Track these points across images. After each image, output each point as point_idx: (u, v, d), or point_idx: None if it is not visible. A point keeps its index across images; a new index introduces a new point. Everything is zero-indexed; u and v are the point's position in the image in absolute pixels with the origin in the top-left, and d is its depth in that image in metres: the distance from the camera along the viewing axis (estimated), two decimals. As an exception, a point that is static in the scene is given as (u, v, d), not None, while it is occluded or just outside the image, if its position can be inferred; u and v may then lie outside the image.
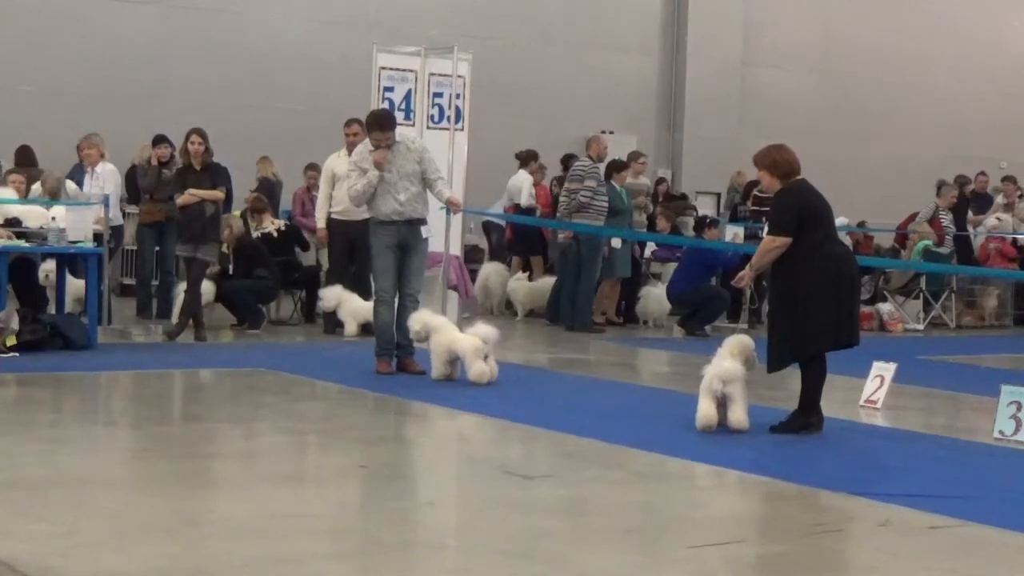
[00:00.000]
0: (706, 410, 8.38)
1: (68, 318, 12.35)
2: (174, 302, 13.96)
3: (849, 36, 25.98)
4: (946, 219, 19.01)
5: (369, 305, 11.81)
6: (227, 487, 6.79)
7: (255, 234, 14.92)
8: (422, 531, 5.98)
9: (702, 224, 17.34)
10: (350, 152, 12.32)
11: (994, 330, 18.64)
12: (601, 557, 5.43)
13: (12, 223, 12.30)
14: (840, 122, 25.56)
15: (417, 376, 10.64)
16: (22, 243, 12.18)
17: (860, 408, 9.85)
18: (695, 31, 24.33)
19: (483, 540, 5.71)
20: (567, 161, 17.29)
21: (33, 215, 12.55)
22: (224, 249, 13.73)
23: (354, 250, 13.56)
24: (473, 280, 16.59)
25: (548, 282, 16.81)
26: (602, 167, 15.96)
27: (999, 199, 20.56)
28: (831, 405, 8.96)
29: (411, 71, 15.27)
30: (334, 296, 13.53)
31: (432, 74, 15.30)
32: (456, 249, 14.88)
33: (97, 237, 12.75)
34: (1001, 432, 8.56)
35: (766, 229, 9.63)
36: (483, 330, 10.18)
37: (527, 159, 18.15)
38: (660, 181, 21.58)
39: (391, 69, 15.21)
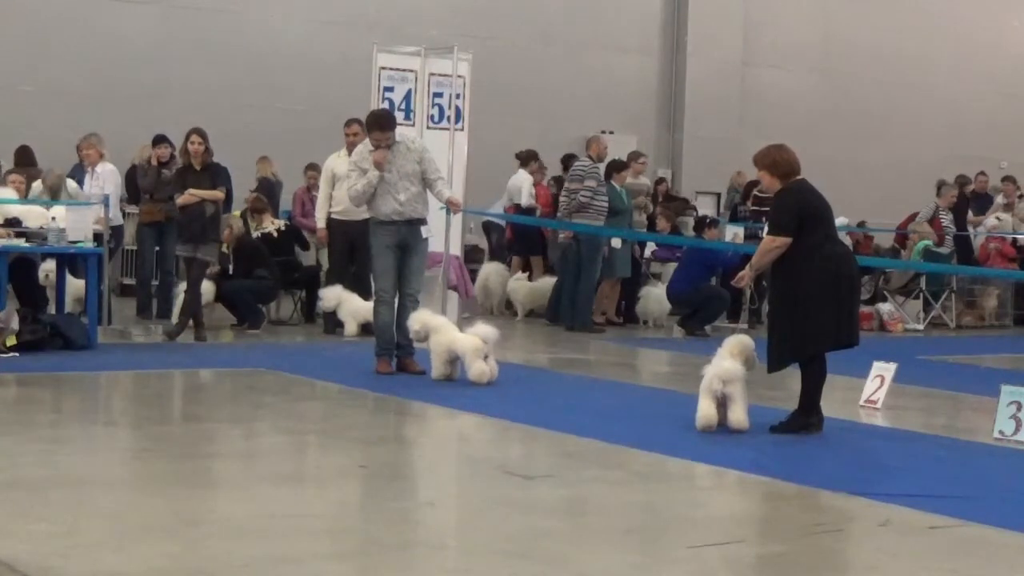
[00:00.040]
0: (706, 410, 8.38)
1: (68, 318, 12.35)
2: (174, 302, 13.96)
3: (849, 36, 25.98)
4: (946, 219, 19.01)
5: (369, 305, 11.81)
6: (227, 487, 6.79)
7: (255, 234, 14.92)
8: (422, 531, 5.98)
9: (702, 224, 17.34)
10: (350, 152, 12.32)
11: (994, 330, 18.63)
12: (601, 557, 5.43)
13: (12, 223, 12.30)
14: (840, 122, 25.56)
15: (417, 376, 10.64)
16: (22, 243, 12.18)
17: (860, 408, 9.85)
18: (695, 31, 24.33)
19: (483, 540, 5.71)
20: (567, 161, 17.29)
21: (33, 215, 12.55)
22: (224, 249, 13.74)
23: (354, 250, 13.56)
24: (473, 280, 16.59)
25: (548, 282, 16.81)
26: (602, 167, 15.96)
27: (999, 199, 20.56)
28: (831, 405, 8.95)
29: (411, 71, 15.27)
30: (334, 296, 13.53)
31: (432, 74, 15.30)
32: (456, 249, 14.88)
33: (97, 237, 12.75)
34: (1001, 432, 8.56)
35: (766, 229, 9.63)
36: (483, 330, 10.18)
37: (527, 159, 18.14)
38: (660, 181, 21.60)
39: (391, 69, 15.21)
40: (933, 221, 18.99)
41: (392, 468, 7.42)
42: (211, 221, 12.70)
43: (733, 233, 17.34)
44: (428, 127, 15.09)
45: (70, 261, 13.04)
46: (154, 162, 14.68)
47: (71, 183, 14.00)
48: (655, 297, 16.42)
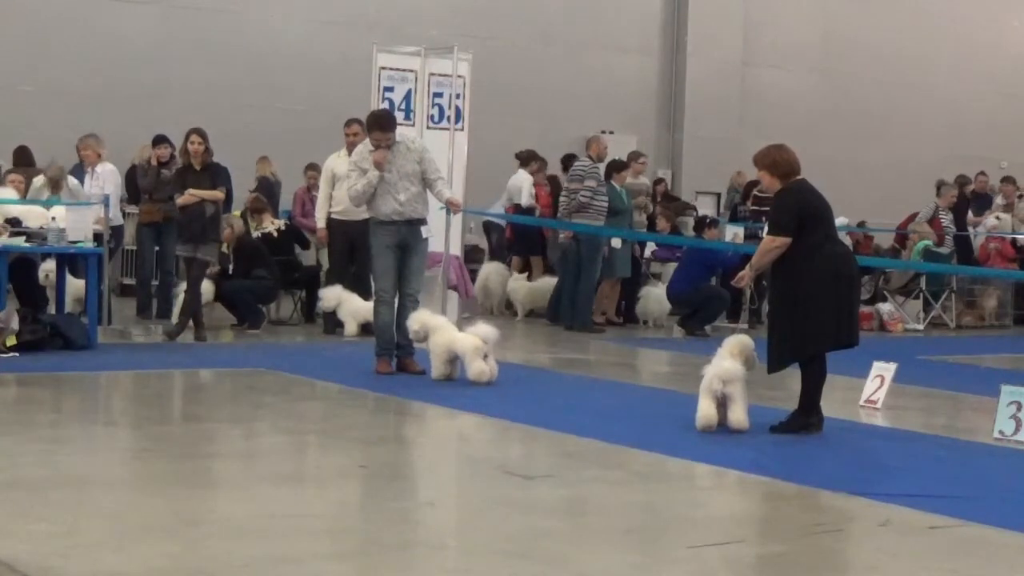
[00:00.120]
0: (706, 410, 8.37)
1: (68, 318, 12.35)
2: (174, 302, 13.96)
3: (849, 36, 25.98)
4: (946, 219, 19.01)
5: (369, 305, 11.81)
6: (227, 487, 6.79)
7: (255, 234, 14.92)
8: (422, 531, 5.97)
9: (702, 224, 17.35)
10: (350, 152, 12.32)
11: (994, 330, 18.63)
12: (601, 557, 5.43)
13: (12, 223, 12.31)
14: (840, 122, 25.56)
15: (417, 376, 10.64)
16: (22, 243, 12.18)
17: (860, 408, 9.85)
18: (695, 31, 24.33)
19: (483, 540, 5.71)
20: (567, 161, 17.28)
21: (33, 215, 12.55)
22: (224, 249, 13.73)
23: (354, 250, 13.56)
24: (473, 280, 16.59)
25: (548, 282, 16.81)
26: (602, 167, 15.96)
27: (999, 199, 20.56)
28: (831, 405, 8.95)
29: (411, 71, 15.27)
30: (334, 296, 13.53)
31: (432, 74, 15.30)
32: (456, 249, 14.89)
33: (97, 237, 12.76)
34: (1001, 432, 8.56)
35: (766, 229, 9.63)
36: (483, 330, 10.18)
37: (527, 159, 18.14)
38: (659, 181, 21.59)
39: (391, 69, 15.21)
40: (933, 221, 18.99)
41: (392, 468, 7.42)
42: (211, 221, 12.70)
43: (733, 233, 17.33)
44: (428, 127, 15.10)
45: (70, 261, 13.04)
46: (154, 162, 14.68)
47: (72, 179, 14.03)
48: (655, 297, 16.42)
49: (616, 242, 15.79)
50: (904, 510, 6.40)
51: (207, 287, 13.58)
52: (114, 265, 15.91)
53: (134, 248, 16.24)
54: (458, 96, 15.26)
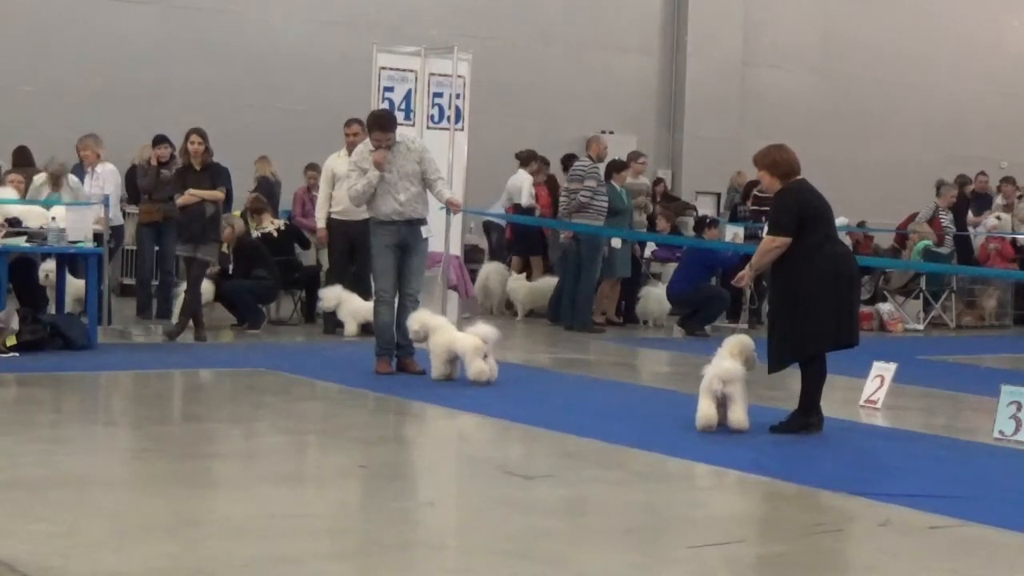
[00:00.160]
0: (706, 410, 8.37)
1: (68, 318, 12.35)
2: (174, 302, 13.96)
3: (849, 36, 25.98)
4: (946, 219, 19.00)
5: (369, 305, 11.81)
6: (227, 487, 6.79)
7: (254, 234, 14.92)
8: (422, 531, 5.98)
9: (702, 224, 17.35)
10: (350, 152, 12.32)
11: (994, 330, 18.64)
12: (601, 557, 5.43)
13: (12, 223, 12.31)
14: (840, 122, 25.56)
15: (417, 376, 10.64)
16: (22, 243, 12.18)
17: (860, 408, 9.85)
18: (695, 31, 24.33)
19: (483, 540, 5.71)
20: (567, 161, 17.28)
21: (33, 215, 12.55)
22: (224, 249, 13.74)
23: (354, 250, 13.56)
24: (473, 280, 16.59)
25: (548, 282, 16.81)
26: (602, 167, 15.96)
27: (998, 199, 20.56)
28: (831, 405, 8.95)
29: (411, 71, 15.26)
30: (334, 296, 13.53)
31: (432, 74, 15.30)
32: (456, 249, 14.88)
33: (97, 237, 12.75)
34: (1001, 432, 8.56)
35: (766, 229, 9.63)
36: (483, 330, 10.19)
37: (527, 159, 18.15)
38: (658, 181, 21.57)
39: (391, 69, 15.21)
40: (933, 221, 18.98)
41: (392, 468, 7.42)
42: (211, 221, 12.70)
43: (733, 233, 17.33)
44: (428, 127, 15.09)
45: (70, 261, 13.04)
46: (154, 162, 14.69)
47: (72, 177, 14.05)
48: (655, 297, 16.42)
49: (616, 242, 15.79)
50: (904, 510, 6.40)
51: (207, 287, 13.58)
52: (114, 265, 15.90)
53: (134, 248, 16.24)
54: (458, 96, 15.26)
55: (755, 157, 8.85)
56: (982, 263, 19.04)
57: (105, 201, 13.44)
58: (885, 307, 17.79)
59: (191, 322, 12.85)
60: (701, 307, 15.71)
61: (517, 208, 17.70)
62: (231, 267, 14.05)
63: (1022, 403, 8.52)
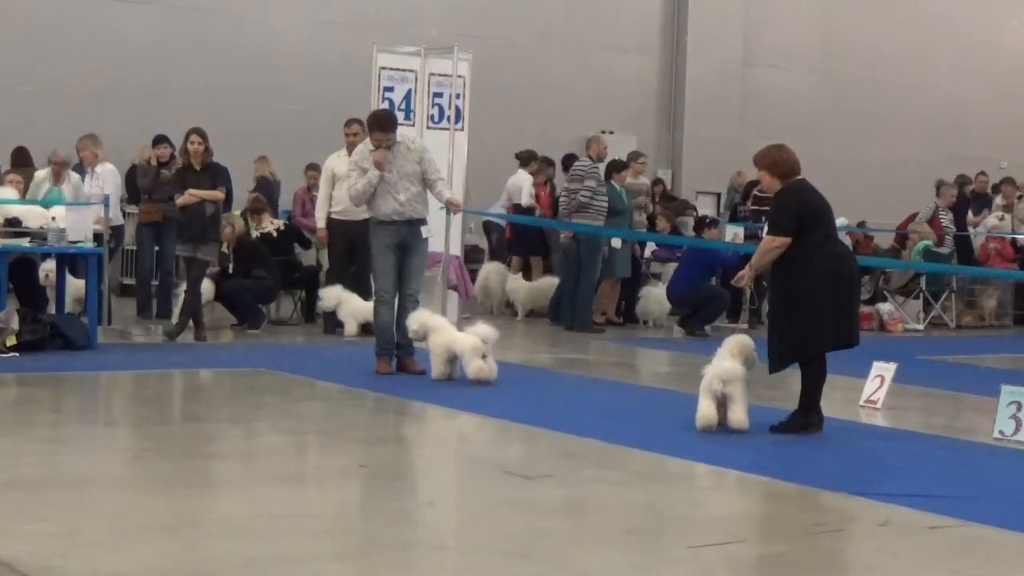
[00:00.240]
0: (706, 410, 8.37)
1: (68, 318, 12.35)
2: (174, 302, 13.96)
3: (849, 36, 25.98)
4: (946, 219, 19.00)
5: (369, 305, 11.81)
6: (227, 487, 6.79)
7: (254, 234, 14.92)
8: (422, 531, 5.97)
9: (702, 224, 17.35)
10: (350, 152, 12.32)
11: (994, 330, 18.64)
12: (601, 557, 5.42)
13: (12, 223, 12.31)
14: (840, 122, 25.56)
15: (417, 376, 10.64)
16: (22, 243, 12.18)
17: (860, 408, 9.85)
18: (695, 31, 24.33)
19: (483, 540, 5.71)
20: (567, 161, 17.28)
21: (33, 215, 12.56)
22: (224, 249, 13.74)
23: (354, 250, 13.55)
24: (473, 280, 16.59)
25: (548, 282, 16.82)
26: (602, 167, 15.96)
27: (998, 200, 20.56)
28: (831, 405, 8.95)
29: (411, 71, 15.26)
30: (334, 296, 13.53)
31: (432, 74, 15.30)
32: (456, 249, 14.89)
33: (97, 237, 12.76)
34: (1001, 432, 8.56)
35: (766, 229, 9.63)
36: (483, 330, 10.19)
37: (527, 159, 18.15)
38: (657, 182, 21.57)
39: (391, 69, 15.21)
40: (933, 221, 18.98)
41: (392, 468, 7.42)
42: (211, 221, 12.70)
43: (733, 233, 17.33)
44: (428, 127, 15.09)
45: (70, 261, 13.05)
46: (154, 162, 14.69)
47: (73, 174, 14.04)
48: (655, 297, 16.42)
49: (616, 242, 15.79)
50: (904, 510, 6.40)
51: (207, 287, 13.58)
52: (114, 265, 15.91)
53: (134, 248, 16.24)
54: (458, 96, 15.26)
55: (755, 157, 8.85)
56: (982, 263, 19.04)
57: (105, 201, 13.44)
58: (885, 307, 17.79)
59: (191, 322, 12.85)
60: (701, 307, 15.71)
61: (517, 208, 17.70)
62: (231, 267, 14.05)
63: (1022, 403, 8.52)
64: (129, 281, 17.44)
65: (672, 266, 16.87)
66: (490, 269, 17.49)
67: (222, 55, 20.17)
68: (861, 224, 21.74)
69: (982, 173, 21.57)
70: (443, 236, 13.07)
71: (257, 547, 5.38)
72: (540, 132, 21.46)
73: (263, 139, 18.72)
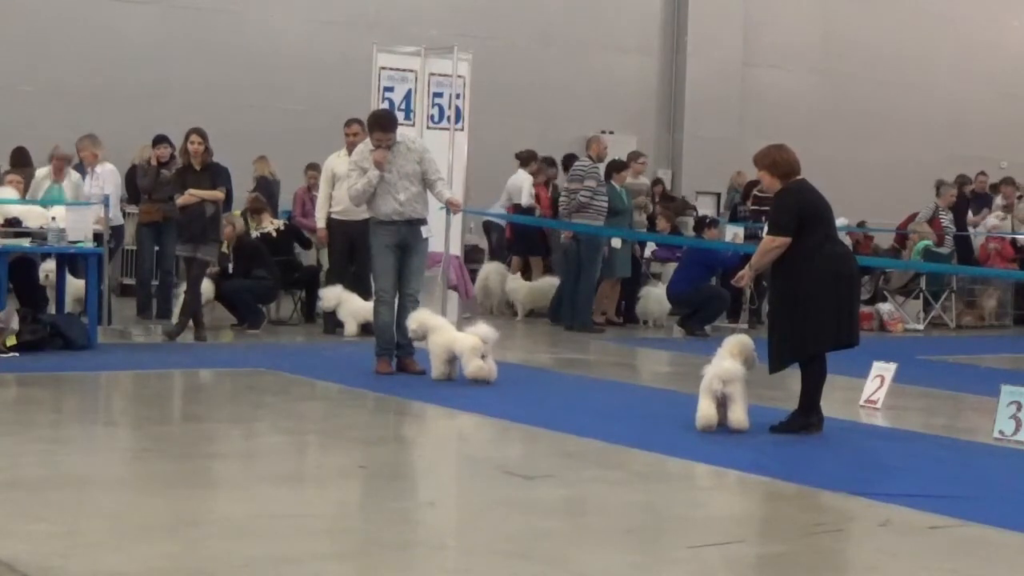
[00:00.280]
0: (706, 410, 8.37)
1: (68, 318, 12.35)
2: (174, 302, 13.96)
3: (849, 36, 25.98)
4: (946, 219, 19.00)
5: (369, 305, 11.81)
6: (227, 487, 6.79)
7: (254, 234, 14.92)
8: (422, 531, 5.97)
9: (702, 224, 17.35)
10: (350, 152, 12.32)
11: (994, 330, 18.64)
12: (601, 557, 5.42)
13: (12, 223, 12.31)
14: (840, 122, 25.56)
15: (417, 376, 10.64)
16: (22, 243, 12.18)
17: (860, 408, 9.84)
18: (695, 31, 24.34)
19: (483, 540, 5.71)
20: (567, 161, 17.28)
21: (33, 215, 12.56)
22: (224, 249, 13.74)
23: (354, 250, 13.55)
24: (473, 280, 16.59)
25: (548, 282, 16.81)
26: (602, 167, 15.96)
27: (998, 200, 20.56)
28: (831, 405, 8.95)
29: (411, 71, 15.27)
30: (334, 296, 13.53)
31: (432, 74, 15.30)
32: (456, 249, 14.89)
33: (97, 237, 12.76)
34: (1001, 432, 8.56)
35: (766, 229, 9.63)
36: (483, 330, 10.19)
37: (527, 159, 18.15)
38: (657, 182, 21.57)
39: (391, 69, 15.21)
40: (933, 221, 18.98)
41: (392, 468, 7.42)
42: (211, 221, 12.70)
43: (733, 233, 17.33)
44: (428, 127, 15.10)
45: (70, 261, 13.05)
46: (154, 162, 14.69)
47: (74, 172, 14.04)
48: (655, 297, 16.42)
49: (616, 242, 15.79)
50: (904, 510, 6.40)
51: (207, 287, 13.58)
52: (114, 265, 15.91)
53: (134, 248, 16.24)
54: (458, 96, 15.26)
55: (755, 157, 8.85)
56: (982, 263, 19.04)
57: (105, 201, 13.44)
58: (885, 307, 17.79)
59: (191, 322, 12.85)
60: (701, 307, 15.71)
61: (517, 208, 17.70)
62: (231, 267, 14.05)
63: (1022, 403, 8.52)
64: (129, 281, 17.44)
65: (672, 266, 16.87)
66: (490, 269, 17.49)
67: (222, 55, 20.17)
68: (861, 224, 21.74)
69: (982, 173, 21.57)
70: (443, 236, 13.08)
71: (257, 547, 5.38)
72: (540, 132, 21.46)
73: (263, 139, 18.72)
